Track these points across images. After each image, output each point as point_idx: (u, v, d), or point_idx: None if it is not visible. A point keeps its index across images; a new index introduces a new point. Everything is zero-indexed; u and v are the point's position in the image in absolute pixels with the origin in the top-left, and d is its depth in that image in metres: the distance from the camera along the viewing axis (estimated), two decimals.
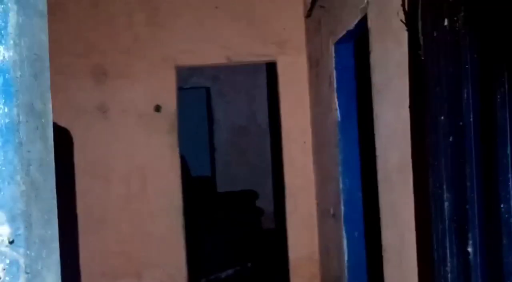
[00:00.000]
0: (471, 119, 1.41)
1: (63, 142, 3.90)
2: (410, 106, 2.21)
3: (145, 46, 4.15)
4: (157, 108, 4.13)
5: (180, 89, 4.45)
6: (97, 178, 4.07)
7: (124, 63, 4.14)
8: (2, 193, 0.79)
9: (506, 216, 1.16)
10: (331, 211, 3.63)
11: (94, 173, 4.07)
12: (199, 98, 7.10)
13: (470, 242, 1.43)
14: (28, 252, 0.81)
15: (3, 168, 0.80)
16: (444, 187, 1.66)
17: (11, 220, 0.79)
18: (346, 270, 3.27)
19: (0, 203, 0.79)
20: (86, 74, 4.13)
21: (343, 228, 3.32)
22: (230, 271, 4.76)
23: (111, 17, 4.14)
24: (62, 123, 4.10)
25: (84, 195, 4.05)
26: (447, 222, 1.64)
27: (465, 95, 1.43)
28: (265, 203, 6.00)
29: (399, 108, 2.38)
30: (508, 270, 1.16)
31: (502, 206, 1.17)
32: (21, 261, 0.80)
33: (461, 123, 1.48)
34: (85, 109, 4.12)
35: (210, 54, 4.23)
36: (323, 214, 3.94)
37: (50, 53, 0.96)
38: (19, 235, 0.80)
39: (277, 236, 5.13)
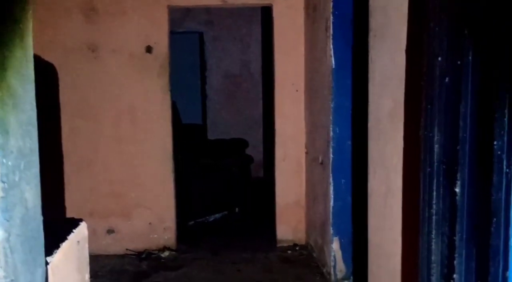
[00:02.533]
0: (470, 57, 1.37)
1: (47, 76, 3.80)
2: (407, 50, 2.17)
3: None
4: (148, 49, 4.03)
5: (173, 33, 4.32)
6: (86, 117, 4.02)
7: (114, 1, 4.00)
8: None
9: (499, 152, 1.14)
10: (320, 159, 3.64)
11: (83, 113, 4.01)
12: (192, 44, 6.95)
13: (459, 182, 1.43)
14: (4, 160, 0.78)
15: None
16: (436, 129, 1.64)
17: None
18: (331, 216, 3.32)
19: None
20: (75, 11, 3.98)
21: (331, 175, 3.34)
22: (217, 215, 4.82)
23: None
24: (50, 60, 4.00)
25: (73, 135, 4.01)
26: (436, 164, 1.64)
27: (466, 32, 1.38)
28: (254, 151, 6.01)
29: (395, 53, 2.33)
30: (496, 207, 1.15)
31: (495, 143, 1.15)
32: None
33: (459, 62, 1.44)
34: (73, 47, 4.00)
35: None
36: (311, 162, 3.95)
37: None
38: None
39: (265, 184, 5.18)
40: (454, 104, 1.49)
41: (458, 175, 1.42)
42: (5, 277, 0.76)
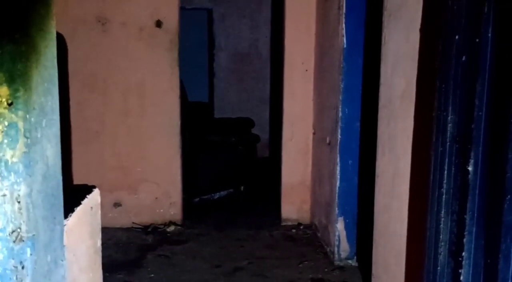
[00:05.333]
0: (490, 35, 1.35)
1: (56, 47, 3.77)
2: (421, 29, 2.14)
3: None
4: (158, 24, 4.00)
5: (181, 10, 4.28)
6: (95, 90, 4.02)
7: None
8: (0, 51, 0.75)
9: None
10: (328, 139, 3.63)
11: (92, 85, 4.01)
12: (201, 21, 6.90)
13: (472, 160, 1.42)
14: (27, 116, 0.78)
15: (2, 26, 0.75)
16: (450, 108, 1.63)
17: (10, 80, 0.76)
18: (336, 196, 3.33)
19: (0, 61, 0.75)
20: None
21: (338, 156, 3.34)
22: (223, 193, 4.85)
23: None
24: (59, 32, 3.98)
25: (81, 107, 4.02)
26: (448, 143, 1.63)
27: (486, 9, 1.37)
28: (261, 131, 6.01)
29: (409, 33, 2.30)
30: (511, 184, 1.15)
31: None
32: (20, 124, 0.77)
33: (477, 40, 1.42)
34: (84, 20, 3.98)
35: None
36: (319, 142, 3.95)
37: None
38: (18, 97, 0.77)
39: (271, 163, 5.19)
40: (470, 83, 1.48)
41: (472, 154, 1.42)
42: (27, 232, 0.77)
